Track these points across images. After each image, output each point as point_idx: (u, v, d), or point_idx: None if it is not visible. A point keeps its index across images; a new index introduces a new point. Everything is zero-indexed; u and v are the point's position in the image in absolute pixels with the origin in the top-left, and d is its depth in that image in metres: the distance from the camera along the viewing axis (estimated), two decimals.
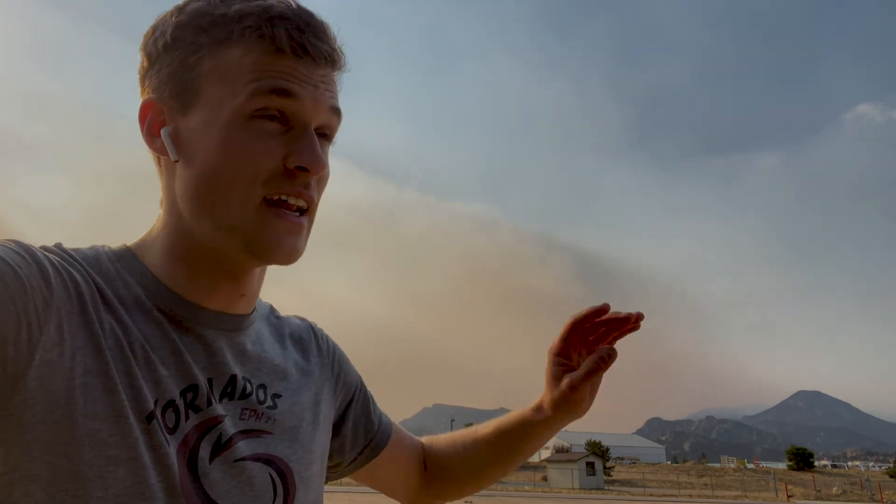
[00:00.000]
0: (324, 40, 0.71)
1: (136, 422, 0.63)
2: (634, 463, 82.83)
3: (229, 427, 0.71)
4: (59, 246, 0.71)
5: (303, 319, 0.95)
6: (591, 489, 45.77)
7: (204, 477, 0.66)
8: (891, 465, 64.48)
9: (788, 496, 42.93)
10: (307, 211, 0.73)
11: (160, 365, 0.68)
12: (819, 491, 48.68)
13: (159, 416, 0.65)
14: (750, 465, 75.06)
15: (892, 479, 56.07)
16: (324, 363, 0.91)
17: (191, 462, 0.66)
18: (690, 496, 43.68)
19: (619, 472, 62.66)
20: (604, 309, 0.91)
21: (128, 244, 0.76)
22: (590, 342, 0.96)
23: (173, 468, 0.64)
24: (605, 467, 53.66)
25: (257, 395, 0.76)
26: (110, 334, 0.65)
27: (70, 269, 0.66)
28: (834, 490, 49.69)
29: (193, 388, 0.69)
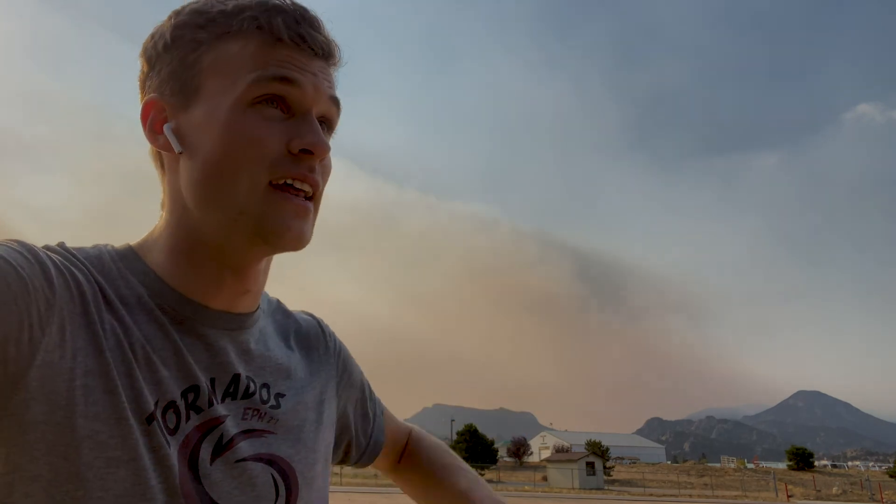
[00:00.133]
0: (320, 32, 0.73)
1: (136, 423, 0.63)
2: (634, 463, 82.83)
3: (231, 427, 0.71)
4: (62, 245, 0.70)
5: (311, 316, 0.95)
6: (591, 489, 45.78)
7: (205, 478, 0.66)
8: (891, 465, 64.48)
9: (788, 496, 42.94)
10: (313, 197, 0.73)
11: (161, 366, 0.67)
12: (819, 491, 48.69)
13: (160, 418, 0.65)
14: (750, 465, 75.07)
15: (892, 479, 56.07)
16: (329, 362, 0.91)
17: (191, 463, 0.66)
18: (690, 496, 43.70)
19: (619, 472, 62.65)
20: None
21: (131, 243, 0.75)
22: None
23: (173, 469, 0.64)
24: (605, 467, 53.68)
25: (260, 395, 0.76)
26: (111, 335, 0.65)
27: (72, 268, 0.66)
28: (834, 490, 49.70)
29: (195, 388, 0.69)
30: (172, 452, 0.64)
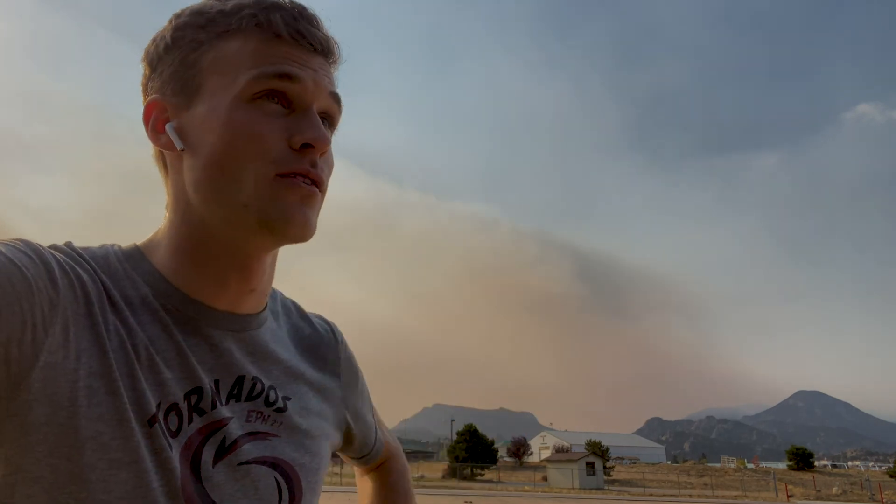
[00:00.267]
0: (318, 29, 0.73)
1: (138, 425, 0.63)
2: (634, 463, 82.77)
3: (235, 430, 0.70)
4: (69, 244, 0.70)
5: (326, 322, 0.93)
6: (591, 489, 45.77)
7: (207, 480, 0.66)
8: (891, 465, 64.43)
9: (788, 496, 42.94)
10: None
11: (164, 367, 0.67)
12: (819, 491, 48.70)
13: (161, 420, 0.65)
14: (750, 465, 75.04)
15: (892, 479, 56.04)
16: (339, 370, 0.89)
17: (194, 465, 0.65)
18: (690, 496, 43.70)
19: (619, 472, 62.63)
20: None
21: (137, 243, 0.75)
22: None
23: (175, 472, 0.64)
24: (605, 467, 53.65)
25: (265, 397, 0.75)
26: (115, 336, 0.65)
27: (77, 268, 0.66)
28: (834, 490, 49.70)
29: (198, 390, 0.69)
30: (174, 455, 0.64)
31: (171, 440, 0.65)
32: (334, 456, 0.94)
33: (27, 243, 0.63)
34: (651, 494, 42.90)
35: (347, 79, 0.78)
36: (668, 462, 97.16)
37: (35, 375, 0.58)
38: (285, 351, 0.81)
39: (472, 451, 58.85)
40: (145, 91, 0.75)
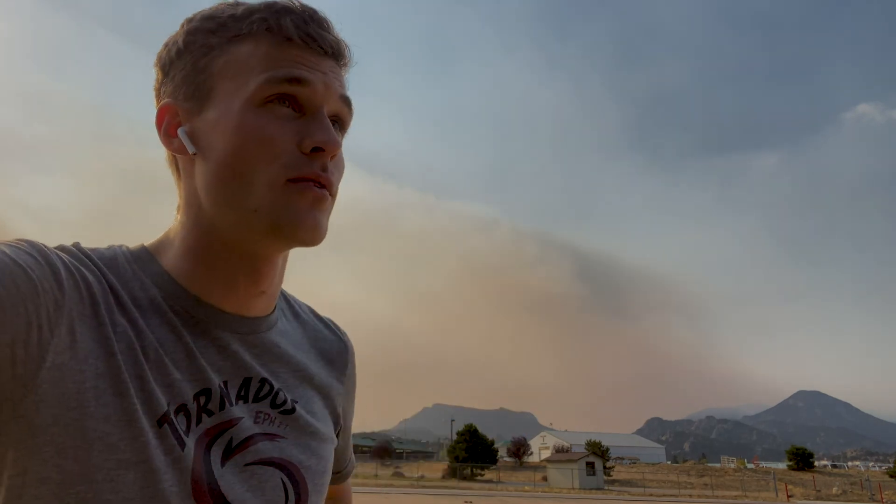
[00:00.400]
0: (329, 32, 0.73)
1: (147, 426, 0.63)
2: (634, 463, 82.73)
3: (242, 430, 0.71)
4: (76, 245, 0.70)
5: (339, 328, 0.94)
6: (591, 489, 45.76)
7: (214, 481, 0.66)
8: (891, 465, 64.40)
9: (788, 496, 42.94)
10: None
11: (173, 368, 0.67)
12: (819, 491, 48.69)
13: (171, 420, 0.65)
14: (750, 465, 75.03)
15: (892, 479, 56.02)
16: (343, 381, 0.90)
17: (202, 466, 0.66)
18: (690, 496, 43.70)
19: (619, 472, 62.60)
20: None
21: (145, 244, 0.75)
22: None
23: (183, 472, 0.64)
24: (605, 467, 53.64)
25: (273, 399, 0.75)
26: (123, 337, 0.65)
27: (83, 269, 0.66)
28: (834, 490, 49.70)
29: (206, 391, 0.69)
30: (182, 455, 0.64)
31: (180, 440, 0.65)
32: None
33: (32, 244, 0.63)
34: (651, 494, 42.90)
35: (347, 79, 0.78)
36: (668, 462, 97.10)
37: (42, 376, 0.58)
38: (295, 353, 0.81)
39: (472, 451, 58.83)
40: (158, 95, 0.75)
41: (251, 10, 0.72)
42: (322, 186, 0.70)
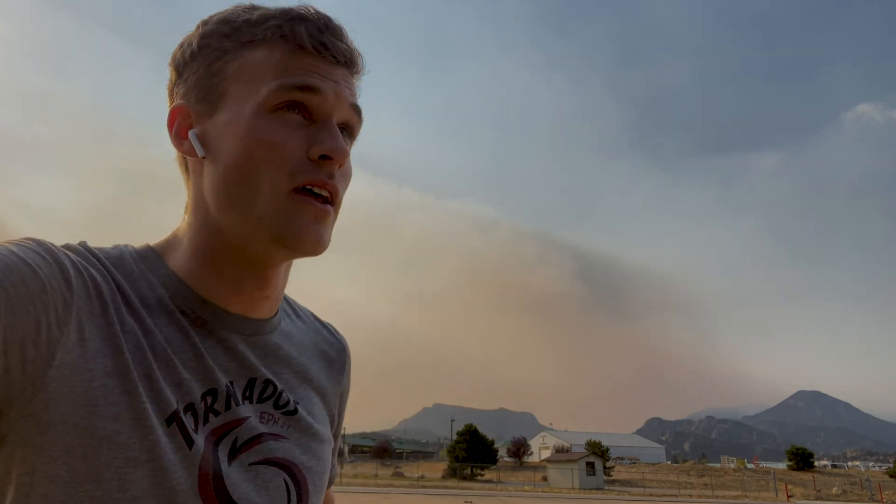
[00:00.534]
0: (343, 41, 0.74)
1: (156, 424, 0.63)
2: (634, 463, 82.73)
3: (247, 430, 0.72)
4: (83, 244, 0.71)
5: (338, 333, 0.95)
6: (591, 489, 45.77)
7: (221, 480, 0.67)
8: (891, 465, 64.39)
9: (788, 496, 42.94)
10: (332, 203, 0.73)
11: (181, 368, 0.68)
12: (819, 491, 48.69)
13: (180, 419, 0.65)
14: (750, 465, 75.02)
15: (892, 479, 56.02)
16: (340, 385, 0.91)
17: (209, 465, 0.66)
18: (690, 496, 43.70)
19: (619, 472, 62.59)
20: None
21: (151, 244, 0.76)
22: None
23: (191, 470, 0.64)
24: (605, 467, 53.62)
25: (276, 400, 0.76)
26: (131, 336, 0.65)
27: (91, 268, 0.66)
28: (834, 490, 49.70)
29: (213, 391, 0.70)
30: (189, 454, 0.65)
31: (189, 439, 0.65)
32: None
33: (40, 243, 0.64)
34: (651, 494, 42.90)
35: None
36: (668, 462, 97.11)
37: (51, 375, 0.58)
38: (297, 355, 0.83)
39: (472, 451, 58.82)
40: (171, 96, 0.76)
41: (266, 17, 0.72)
42: (326, 201, 0.71)
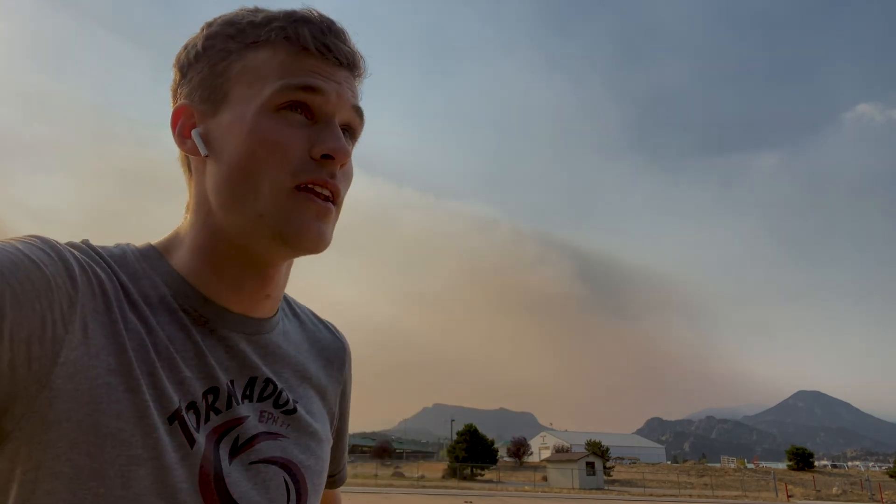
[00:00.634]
0: (345, 43, 0.75)
1: (159, 422, 0.63)
2: (634, 463, 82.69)
3: (248, 429, 0.72)
4: (85, 242, 0.71)
5: (338, 331, 0.95)
6: (591, 489, 45.74)
7: (222, 478, 0.67)
8: (891, 465, 64.33)
9: (788, 496, 42.92)
10: (334, 202, 0.73)
11: (184, 366, 0.68)
12: (819, 491, 48.67)
13: (182, 417, 0.66)
14: (750, 465, 74.98)
15: (892, 479, 55.98)
16: (341, 378, 0.91)
17: (210, 463, 0.67)
18: (690, 496, 43.67)
19: (619, 472, 62.56)
20: None
21: (152, 243, 0.76)
22: None
23: (192, 469, 0.65)
24: (605, 467, 53.60)
25: (276, 399, 0.77)
26: (134, 334, 0.66)
27: (95, 266, 0.66)
28: (834, 490, 49.68)
29: (214, 390, 0.70)
30: (191, 452, 0.65)
31: (190, 437, 0.66)
32: None
33: (45, 240, 0.64)
34: (651, 494, 42.88)
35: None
36: (668, 462, 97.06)
37: (56, 372, 0.58)
38: (296, 353, 0.83)
39: (472, 451, 58.79)
40: (175, 96, 0.77)
41: (270, 18, 0.73)
42: (328, 199, 0.72)
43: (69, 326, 0.60)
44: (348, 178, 0.75)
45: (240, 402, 0.72)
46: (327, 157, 0.71)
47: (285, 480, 0.73)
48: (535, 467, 63.66)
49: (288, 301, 0.88)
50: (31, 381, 0.57)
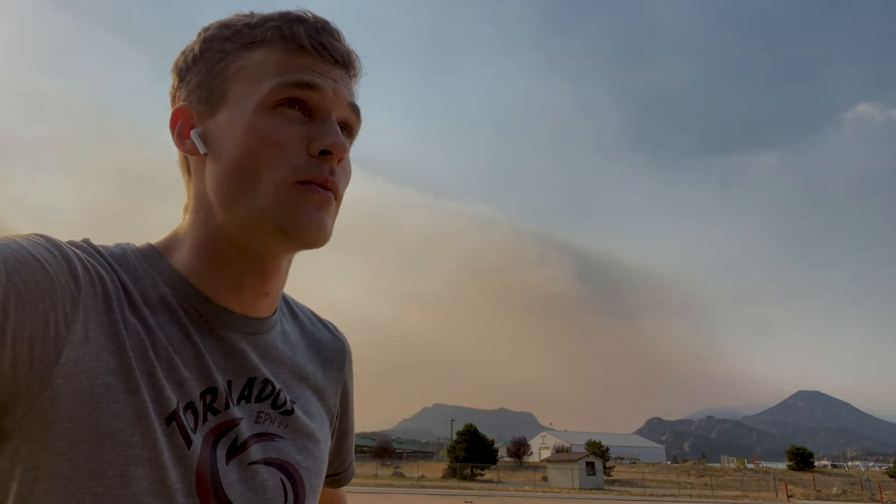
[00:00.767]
0: (340, 42, 0.76)
1: (157, 422, 0.63)
2: (634, 463, 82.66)
3: (245, 430, 0.72)
4: (86, 241, 0.71)
5: (338, 330, 0.95)
6: (591, 489, 45.73)
7: (218, 479, 0.67)
8: (891, 465, 64.32)
9: (788, 496, 42.92)
10: (334, 197, 0.74)
11: (182, 367, 0.68)
12: (819, 491, 48.66)
13: (180, 418, 0.66)
14: (750, 465, 74.95)
15: (892, 479, 55.98)
16: (341, 378, 0.91)
17: (206, 464, 0.67)
18: (690, 496, 43.67)
19: (619, 472, 62.54)
20: None
21: (152, 243, 0.76)
22: None
23: (189, 470, 0.65)
24: (605, 467, 53.59)
25: (274, 400, 0.77)
26: (133, 334, 0.66)
27: (97, 266, 0.67)
28: (834, 490, 49.67)
29: (212, 390, 0.70)
30: (189, 452, 0.65)
31: (187, 438, 0.66)
32: None
33: (48, 239, 0.64)
34: (651, 494, 42.87)
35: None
36: (668, 462, 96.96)
37: (57, 372, 0.58)
38: (294, 354, 0.83)
39: (472, 451, 58.77)
40: (173, 100, 0.77)
41: (266, 19, 0.74)
42: (328, 189, 0.72)
43: (71, 326, 0.60)
44: (347, 175, 0.76)
45: (236, 403, 0.72)
46: (325, 153, 0.71)
47: (282, 481, 0.73)
48: (535, 467, 63.64)
49: (287, 301, 0.88)
50: (32, 380, 0.57)
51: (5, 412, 0.58)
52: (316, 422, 0.82)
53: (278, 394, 0.77)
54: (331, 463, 0.94)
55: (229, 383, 0.72)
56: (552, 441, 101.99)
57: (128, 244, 0.76)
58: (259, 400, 0.75)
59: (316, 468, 0.79)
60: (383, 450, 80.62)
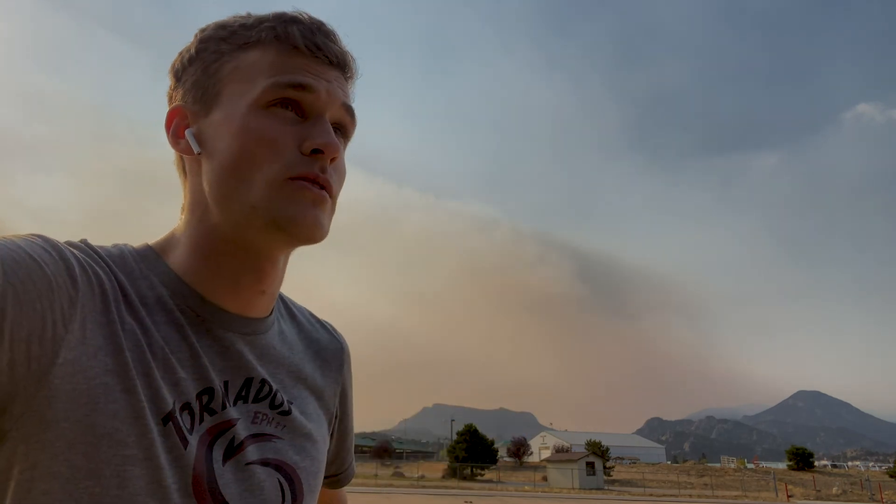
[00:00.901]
0: (335, 43, 0.76)
1: (154, 423, 0.64)
2: (634, 463, 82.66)
3: (242, 430, 0.72)
4: (84, 241, 0.72)
5: (337, 334, 0.95)
6: (591, 489, 45.74)
7: (214, 480, 0.67)
8: (891, 465, 64.33)
9: (788, 496, 42.92)
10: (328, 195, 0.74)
11: (179, 367, 0.68)
12: (819, 491, 48.66)
13: (176, 418, 0.66)
14: (750, 465, 74.95)
15: (892, 479, 55.97)
16: (339, 378, 0.91)
17: (203, 464, 0.67)
18: (690, 496, 43.67)
19: (619, 472, 62.54)
20: None
21: (149, 243, 0.77)
22: None
23: (187, 470, 0.65)
24: (605, 467, 53.60)
25: (271, 400, 0.77)
26: (130, 335, 0.66)
27: (95, 266, 0.67)
28: (834, 490, 49.67)
29: (209, 390, 0.70)
30: (186, 453, 0.65)
31: (183, 438, 0.66)
32: None
33: (46, 239, 0.64)
34: (651, 494, 42.87)
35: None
36: (668, 462, 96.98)
37: (55, 372, 0.59)
38: (291, 354, 0.83)
39: (472, 451, 58.77)
40: (170, 101, 0.78)
41: (261, 20, 0.75)
42: (321, 187, 0.72)
43: (69, 326, 0.60)
44: (340, 174, 0.76)
45: (232, 403, 0.72)
46: (317, 152, 0.71)
47: (280, 482, 0.73)
48: (535, 467, 63.63)
49: (284, 301, 0.89)
50: (30, 380, 0.57)
51: (3, 412, 0.58)
52: (313, 422, 0.82)
53: (275, 394, 0.77)
54: (330, 463, 0.94)
55: (226, 384, 0.72)
56: (552, 441, 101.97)
57: (125, 245, 0.76)
58: (256, 400, 0.75)
59: (314, 468, 0.79)
60: (383, 450, 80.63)
